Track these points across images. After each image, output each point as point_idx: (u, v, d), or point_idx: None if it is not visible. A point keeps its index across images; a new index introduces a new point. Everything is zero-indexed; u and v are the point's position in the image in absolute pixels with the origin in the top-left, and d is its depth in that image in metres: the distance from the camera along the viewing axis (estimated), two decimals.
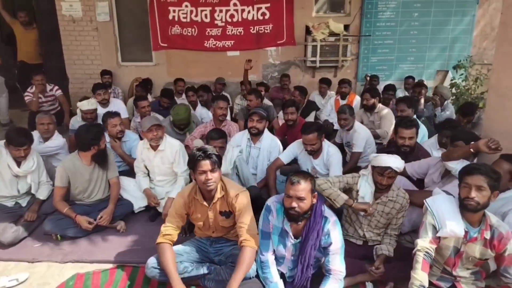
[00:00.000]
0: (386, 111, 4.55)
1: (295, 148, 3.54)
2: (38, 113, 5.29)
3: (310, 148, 3.31)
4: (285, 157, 3.51)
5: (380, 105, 4.70)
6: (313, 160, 3.44)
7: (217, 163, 2.32)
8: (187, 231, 3.00)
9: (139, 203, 3.42)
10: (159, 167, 3.43)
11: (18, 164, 3.17)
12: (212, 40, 6.41)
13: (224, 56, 6.58)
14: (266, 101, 5.41)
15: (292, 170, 3.67)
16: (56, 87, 5.66)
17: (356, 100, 5.55)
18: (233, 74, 6.69)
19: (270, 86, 6.26)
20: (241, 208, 2.35)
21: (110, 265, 2.75)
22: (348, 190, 2.70)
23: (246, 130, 3.76)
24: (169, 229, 2.44)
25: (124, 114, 5.13)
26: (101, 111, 4.89)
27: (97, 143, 3.09)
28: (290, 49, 6.53)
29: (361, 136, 3.93)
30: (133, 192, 3.46)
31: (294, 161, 3.66)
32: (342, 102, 5.56)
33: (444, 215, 2.15)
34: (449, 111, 5.06)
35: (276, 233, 2.36)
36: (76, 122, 4.45)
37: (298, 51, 6.61)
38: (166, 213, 3.16)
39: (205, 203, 2.45)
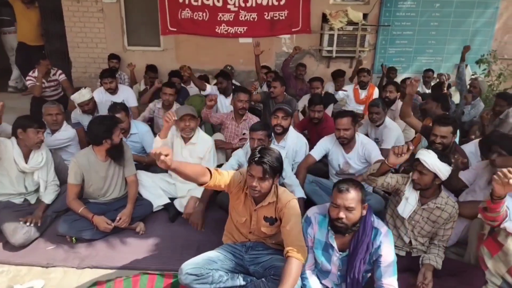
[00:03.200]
0: (390, 125, 3.91)
1: (327, 143, 3.31)
2: (41, 98, 5.05)
3: (342, 134, 3.08)
4: (317, 153, 3.28)
5: (399, 101, 4.51)
6: (346, 154, 3.21)
7: (270, 173, 2.09)
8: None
9: (158, 202, 3.19)
10: (186, 160, 3.19)
11: (26, 159, 2.91)
12: (224, 26, 6.11)
13: (235, 43, 6.28)
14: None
15: (320, 169, 3.49)
16: (60, 71, 5.35)
17: (376, 92, 5.33)
18: (244, 62, 6.41)
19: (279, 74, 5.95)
20: (290, 217, 2.14)
21: (132, 272, 2.53)
22: (395, 192, 2.52)
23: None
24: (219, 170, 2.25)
25: (133, 102, 4.86)
26: (108, 98, 4.64)
27: (109, 137, 2.82)
28: (305, 38, 6.26)
29: (392, 133, 3.72)
30: (152, 188, 3.22)
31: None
32: (362, 92, 5.36)
33: None
34: (477, 109, 4.84)
35: (319, 248, 2.16)
36: (76, 115, 4.13)
37: (314, 40, 6.33)
38: (189, 213, 2.96)
39: (252, 201, 2.25)
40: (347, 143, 3.15)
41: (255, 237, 2.38)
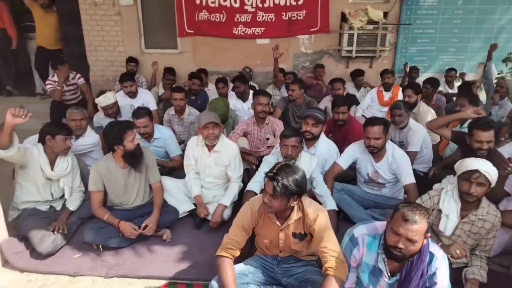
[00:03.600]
0: (415, 126, 3.78)
1: (355, 150, 3.18)
2: (60, 103, 5.06)
3: (373, 143, 2.93)
4: (344, 161, 3.16)
5: (422, 103, 4.36)
6: (375, 163, 3.09)
7: (281, 193, 1.95)
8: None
9: (183, 207, 3.13)
10: (211, 168, 3.14)
11: (52, 166, 2.88)
12: (241, 27, 6.06)
13: (253, 44, 6.21)
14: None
15: (347, 173, 3.38)
16: (79, 75, 5.35)
17: (400, 93, 5.18)
18: (262, 63, 6.33)
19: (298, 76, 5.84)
20: (322, 231, 2.03)
21: (160, 282, 2.48)
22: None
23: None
24: (233, 243, 2.14)
25: (153, 106, 4.80)
26: (127, 101, 4.62)
27: (120, 143, 2.74)
28: (324, 38, 6.16)
29: (417, 134, 3.59)
30: (177, 194, 3.17)
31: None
32: (386, 94, 5.23)
33: None
34: (505, 109, 4.67)
35: (366, 271, 1.98)
36: (99, 118, 4.13)
37: (332, 40, 6.21)
38: (216, 222, 2.89)
39: (277, 222, 2.14)
40: (377, 152, 3.02)
41: (286, 253, 2.28)
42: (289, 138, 2.74)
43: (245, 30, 6.07)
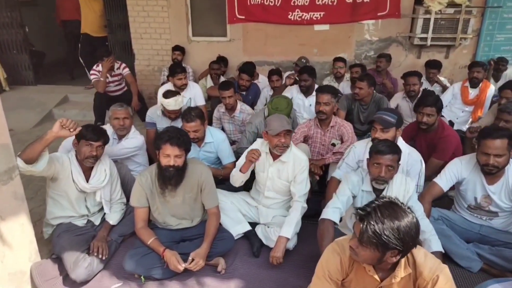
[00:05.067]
0: None
1: (461, 168, 2.45)
2: (104, 94, 4.74)
3: (492, 162, 2.21)
4: (445, 181, 2.46)
5: None
6: (488, 186, 2.37)
7: (371, 242, 1.40)
8: None
9: (237, 229, 2.63)
10: (273, 180, 2.61)
11: (87, 177, 2.47)
12: (298, 12, 5.41)
13: (309, 31, 5.54)
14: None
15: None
16: (124, 65, 5.02)
17: (490, 90, 4.35)
18: (319, 52, 5.66)
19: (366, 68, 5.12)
20: None
21: None
22: None
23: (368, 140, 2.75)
24: None
25: (201, 101, 4.36)
26: None
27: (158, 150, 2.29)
28: (393, 23, 5.36)
29: None
30: (231, 212, 2.67)
31: None
32: (472, 91, 4.41)
33: None
34: None
35: None
36: (155, 114, 3.60)
37: (403, 26, 5.39)
38: (277, 257, 2.33)
39: (376, 276, 1.56)
40: (495, 173, 2.30)
41: None
42: (384, 156, 2.09)
43: (302, 15, 5.42)
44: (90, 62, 5.59)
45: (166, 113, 3.46)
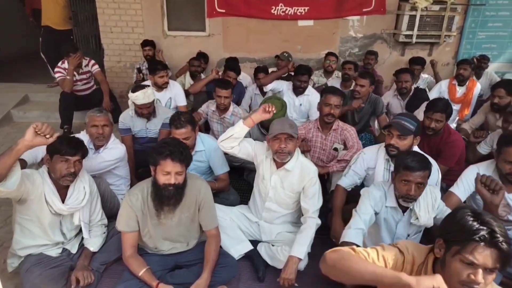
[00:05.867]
0: None
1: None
2: (71, 94, 4.26)
3: None
4: (463, 190, 2.28)
5: None
6: (507, 194, 2.20)
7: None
8: None
9: (238, 249, 2.33)
10: (276, 190, 2.33)
11: (62, 197, 2.09)
12: (281, 6, 5.17)
13: (293, 27, 5.32)
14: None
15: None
16: (93, 62, 4.56)
17: (477, 89, 4.30)
18: (303, 49, 5.44)
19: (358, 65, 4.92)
20: None
21: None
22: None
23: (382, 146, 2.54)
24: None
25: (182, 101, 4.02)
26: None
27: (154, 165, 1.97)
28: (378, 19, 5.25)
29: None
30: (230, 230, 2.37)
31: None
32: (460, 89, 4.34)
33: None
34: None
35: None
36: (128, 118, 3.23)
37: (388, 22, 5.28)
38: (288, 279, 2.07)
39: None
40: None
41: None
42: (414, 172, 1.85)
43: (286, 9, 5.17)
44: (53, 58, 5.06)
45: (137, 110, 3.12)
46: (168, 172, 1.89)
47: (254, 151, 2.39)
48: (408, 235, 2.02)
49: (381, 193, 2.02)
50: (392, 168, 2.37)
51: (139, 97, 3.01)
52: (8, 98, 5.18)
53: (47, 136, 1.74)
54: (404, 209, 1.99)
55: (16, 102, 5.10)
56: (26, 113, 5.01)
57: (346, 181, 2.51)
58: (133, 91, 3.06)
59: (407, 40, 5.19)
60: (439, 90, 4.47)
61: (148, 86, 3.16)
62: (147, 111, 3.13)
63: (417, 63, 4.75)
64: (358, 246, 1.86)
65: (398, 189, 1.93)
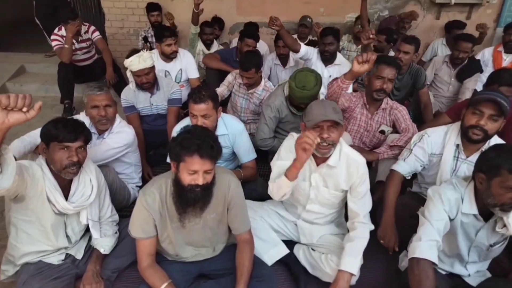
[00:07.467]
0: None
1: None
2: (70, 64, 3.81)
3: None
4: None
5: None
6: None
7: None
8: None
9: (273, 253, 1.96)
10: (318, 189, 1.91)
11: (65, 193, 1.71)
12: None
13: None
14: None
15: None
16: (93, 28, 4.10)
17: None
18: (326, 11, 4.87)
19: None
20: None
21: None
22: None
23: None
24: None
25: (194, 73, 3.58)
26: (161, 66, 3.36)
27: (177, 162, 1.56)
28: None
29: None
30: (261, 231, 1.98)
31: None
32: (507, 57, 3.82)
33: None
34: None
35: None
36: (130, 93, 2.79)
37: None
38: None
39: None
40: None
41: None
42: None
43: None
44: (49, 24, 4.56)
45: (136, 80, 2.70)
46: (195, 171, 1.49)
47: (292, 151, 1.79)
48: (491, 246, 1.63)
49: (457, 195, 1.59)
50: (462, 156, 1.95)
51: (134, 62, 2.58)
52: (2, 69, 4.74)
53: (24, 109, 1.20)
54: (487, 217, 1.58)
55: (11, 74, 4.67)
56: (23, 86, 4.58)
57: (406, 167, 2.06)
58: (127, 57, 2.64)
59: (444, 1, 4.60)
60: (482, 59, 3.96)
61: (144, 49, 2.73)
62: (146, 80, 2.68)
63: (458, 27, 4.20)
64: (434, 264, 1.49)
65: (494, 198, 1.47)
